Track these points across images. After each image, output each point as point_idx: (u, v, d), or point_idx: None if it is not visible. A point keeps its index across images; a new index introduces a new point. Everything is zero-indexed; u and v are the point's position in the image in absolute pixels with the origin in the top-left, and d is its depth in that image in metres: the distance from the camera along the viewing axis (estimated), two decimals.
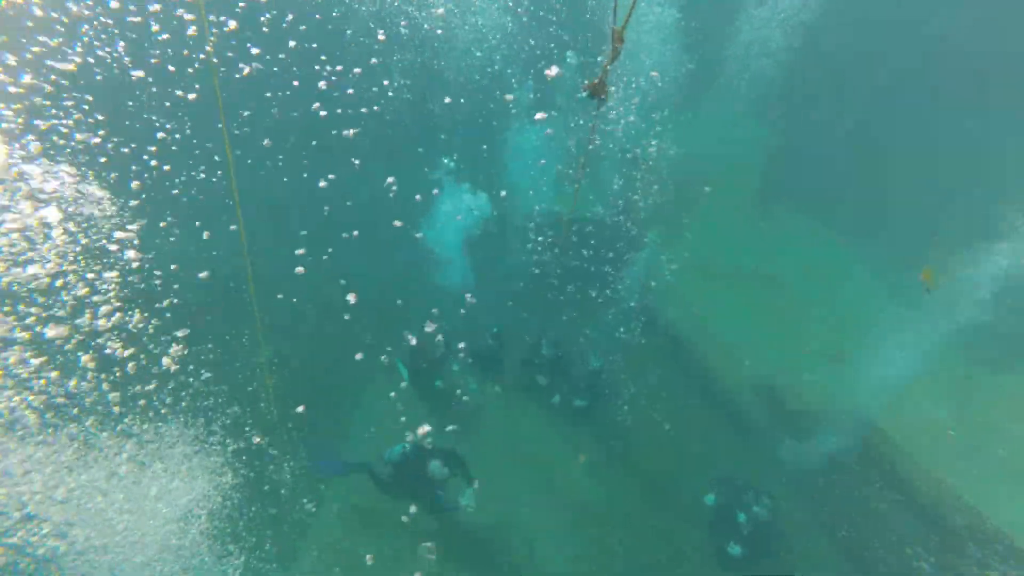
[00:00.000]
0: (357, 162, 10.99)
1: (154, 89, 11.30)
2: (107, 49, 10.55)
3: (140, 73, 10.95)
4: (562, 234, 6.26)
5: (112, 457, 6.76)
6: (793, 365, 9.60)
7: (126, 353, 7.67)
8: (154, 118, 11.25)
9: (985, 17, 13.17)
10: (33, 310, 6.72)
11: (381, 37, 12.86)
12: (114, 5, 10.50)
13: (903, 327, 9.96)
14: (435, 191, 11.91)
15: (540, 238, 12.53)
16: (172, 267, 10.36)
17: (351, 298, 7.57)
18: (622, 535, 8.03)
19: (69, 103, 9.78)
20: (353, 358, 9.90)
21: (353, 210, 13.52)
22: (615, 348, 10.98)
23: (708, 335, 10.55)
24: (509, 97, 13.01)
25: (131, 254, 9.34)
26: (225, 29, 10.28)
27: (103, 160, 9.68)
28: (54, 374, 6.66)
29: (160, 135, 10.88)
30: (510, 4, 13.56)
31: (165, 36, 11.27)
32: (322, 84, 11.01)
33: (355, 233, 9.94)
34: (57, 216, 6.98)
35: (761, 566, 7.53)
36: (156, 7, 11.04)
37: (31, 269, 6.59)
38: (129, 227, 8.53)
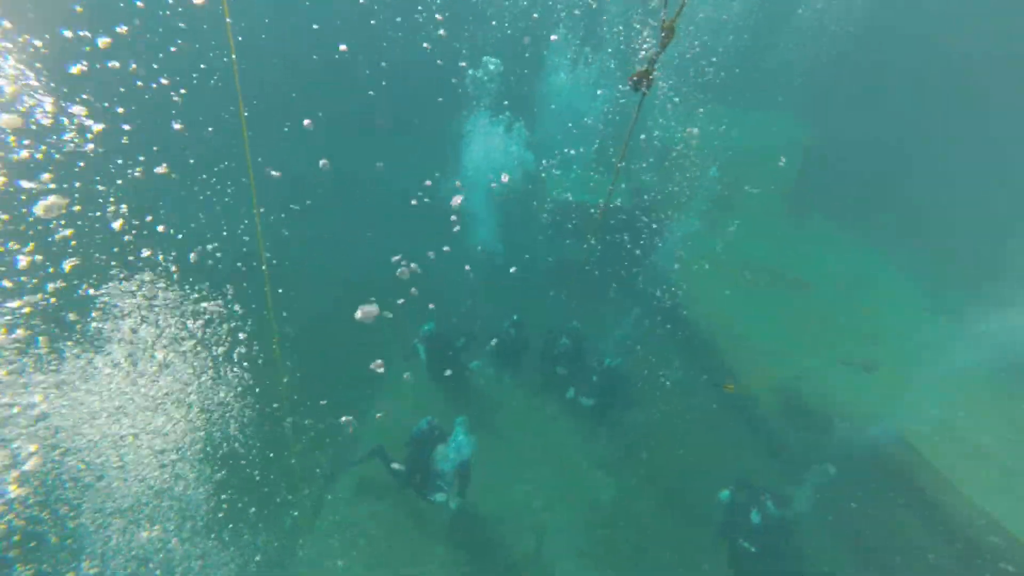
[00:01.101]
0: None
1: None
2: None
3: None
4: (594, 224, 6.05)
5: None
6: (818, 370, 9.28)
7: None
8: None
9: None
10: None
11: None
12: None
13: (939, 339, 9.55)
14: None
15: (569, 226, 12.31)
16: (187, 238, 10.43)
17: (403, 273, 7.38)
18: (631, 534, 7.92)
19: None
20: (371, 339, 9.88)
21: (375, 181, 13.40)
22: (636, 344, 10.77)
23: (733, 336, 10.27)
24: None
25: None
26: None
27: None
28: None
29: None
30: None
31: None
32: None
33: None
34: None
35: (771, 567, 7.36)
36: None
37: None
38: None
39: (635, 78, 2.37)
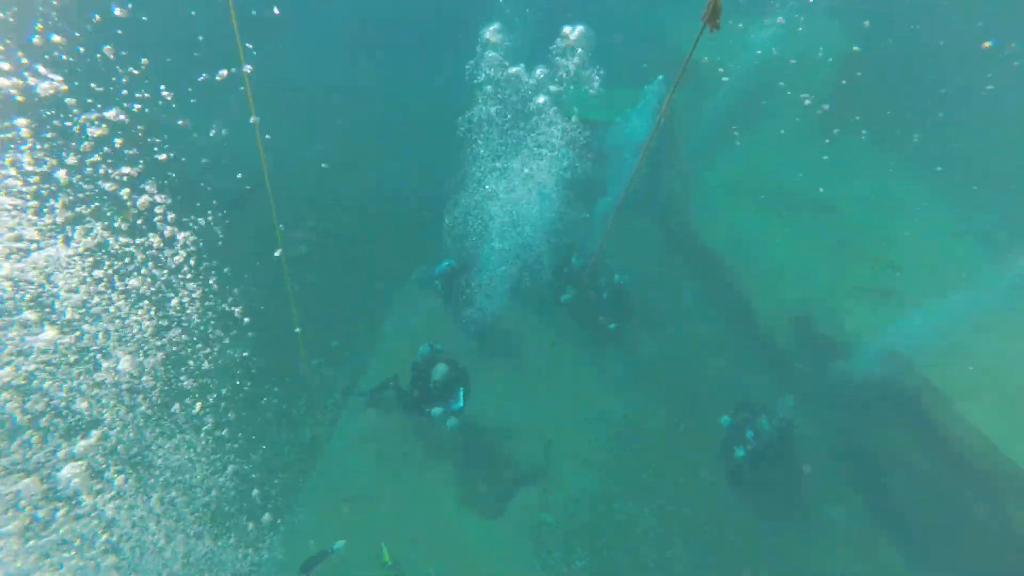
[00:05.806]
0: None
1: None
2: None
3: None
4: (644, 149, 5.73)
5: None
6: (834, 296, 9.21)
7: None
8: None
9: None
10: None
11: None
12: None
13: (966, 268, 9.28)
14: None
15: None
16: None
17: None
18: (636, 448, 8.35)
19: None
20: (388, 268, 9.81)
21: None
22: (650, 266, 10.67)
23: (749, 258, 10.07)
24: None
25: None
26: None
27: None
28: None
29: None
30: None
31: None
32: None
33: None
34: None
35: (769, 488, 7.82)
36: None
37: None
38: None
39: (708, 14, 2.02)
